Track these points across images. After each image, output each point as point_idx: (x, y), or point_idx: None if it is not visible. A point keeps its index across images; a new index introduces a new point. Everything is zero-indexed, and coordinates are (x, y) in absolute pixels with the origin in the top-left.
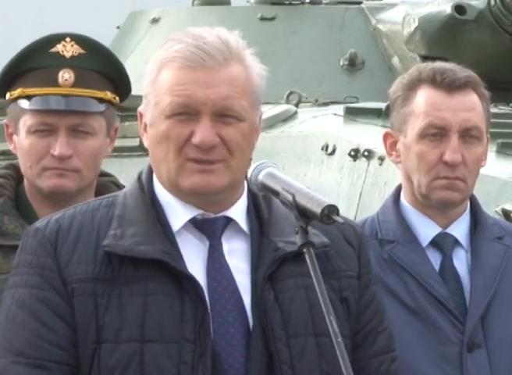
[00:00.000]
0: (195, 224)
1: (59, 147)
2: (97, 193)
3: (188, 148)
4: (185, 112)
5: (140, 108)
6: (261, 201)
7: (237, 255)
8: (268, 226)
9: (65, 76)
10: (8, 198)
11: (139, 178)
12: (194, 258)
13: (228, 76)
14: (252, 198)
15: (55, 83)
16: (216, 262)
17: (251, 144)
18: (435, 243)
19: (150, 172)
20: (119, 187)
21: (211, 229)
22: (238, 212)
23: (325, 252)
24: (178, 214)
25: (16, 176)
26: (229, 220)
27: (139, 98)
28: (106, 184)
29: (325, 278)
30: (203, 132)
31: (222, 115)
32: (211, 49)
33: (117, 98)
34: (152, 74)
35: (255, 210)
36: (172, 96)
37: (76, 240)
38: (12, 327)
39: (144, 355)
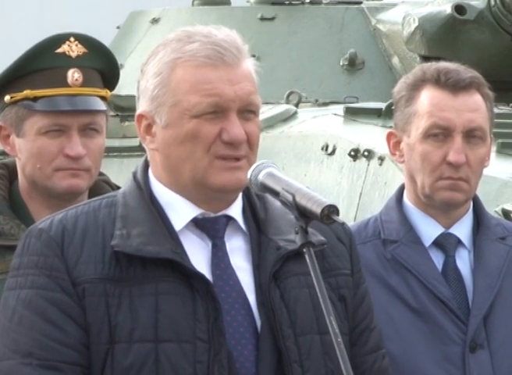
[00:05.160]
0: (196, 223)
1: (75, 147)
2: (91, 192)
3: (217, 146)
4: (214, 111)
5: (141, 111)
6: (256, 201)
7: (238, 254)
8: (266, 225)
9: (76, 76)
10: (3, 198)
11: (134, 177)
12: (198, 258)
13: (245, 71)
14: (246, 197)
15: (64, 83)
16: (221, 261)
17: None
18: (438, 243)
19: (145, 171)
20: (112, 186)
21: (213, 228)
22: (237, 211)
23: (321, 251)
24: (179, 213)
25: (9, 175)
26: (228, 219)
27: None
28: (99, 184)
29: (323, 276)
30: (234, 129)
31: (246, 110)
32: (228, 46)
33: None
34: (162, 75)
35: (250, 209)
36: (200, 96)
37: (83, 240)
38: (18, 328)
39: (159, 355)
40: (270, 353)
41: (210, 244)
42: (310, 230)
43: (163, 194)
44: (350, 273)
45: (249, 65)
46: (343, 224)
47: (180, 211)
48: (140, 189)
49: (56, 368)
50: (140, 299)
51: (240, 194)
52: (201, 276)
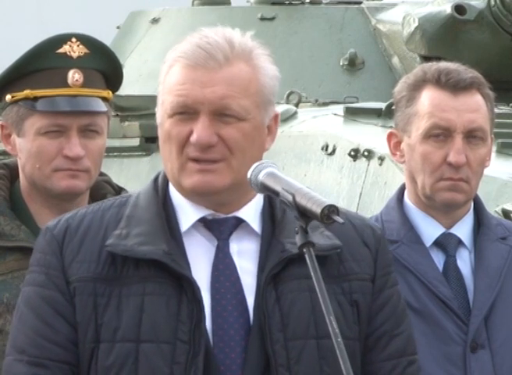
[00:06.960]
0: (205, 224)
1: (74, 147)
2: (92, 192)
3: (188, 148)
4: (185, 112)
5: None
6: (277, 203)
7: (246, 256)
8: (280, 228)
9: (76, 76)
10: (3, 199)
11: (156, 179)
12: (200, 259)
13: (228, 75)
14: (268, 198)
15: (64, 83)
16: (221, 262)
17: (256, 144)
18: (439, 243)
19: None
20: (113, 186)
21: (218, 229)
22: (250, 212)
23: (338, 254)
24: (188, 214)
25: (10, 176)
26: (240, 221)
27: (139, 98)
28: (100, 184)
29: (336, 281)
30: (199, 131)
31: (221, 114)
32: (213, 49)
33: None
34: (163, 74)
35: (270, 211)
36: (173, 96)
37: (82, 239)
38: (18, 325)
39: (139, 355)
40: (258, 356)
41: (216, 245)
42: (327, 233)
43: (176, 195)
44: (371, 277)
45: (245, 68)
46: (372, 227)
47: (188, 211)
48: (156, 190)
49: (44, 365)
50: (127, 299)
51: (261, 196)
52: (188, 278)
